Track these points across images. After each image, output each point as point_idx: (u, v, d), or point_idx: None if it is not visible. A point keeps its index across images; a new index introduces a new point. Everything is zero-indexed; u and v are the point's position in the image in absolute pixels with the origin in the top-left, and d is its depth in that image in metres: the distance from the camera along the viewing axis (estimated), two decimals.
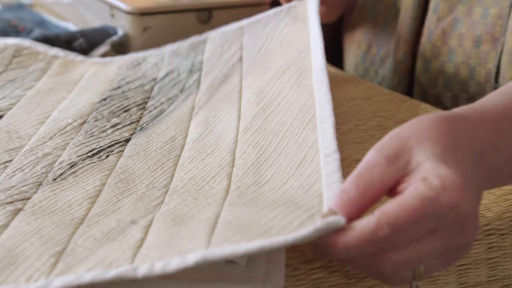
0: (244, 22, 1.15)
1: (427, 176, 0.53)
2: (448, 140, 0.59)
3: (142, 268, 0.53)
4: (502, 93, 0.72)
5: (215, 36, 1.13)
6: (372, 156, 0.58)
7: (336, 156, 0.70)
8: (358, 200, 0.55)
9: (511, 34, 0.99)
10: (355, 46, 1.24)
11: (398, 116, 0.97)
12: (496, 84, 1.01)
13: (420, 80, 1.11)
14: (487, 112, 0.67)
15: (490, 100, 0.71)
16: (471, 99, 1.02)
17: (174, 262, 0.52)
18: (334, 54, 1.36)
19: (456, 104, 1.06)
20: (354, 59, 1.24)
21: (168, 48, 1.14)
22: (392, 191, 0.56)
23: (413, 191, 0.52)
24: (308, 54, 0.94)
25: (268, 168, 0.74)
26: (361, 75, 1.22)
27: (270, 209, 0.61)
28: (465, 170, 0.57)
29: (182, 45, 1.14)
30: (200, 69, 1.04)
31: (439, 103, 1.07)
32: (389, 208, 0.51)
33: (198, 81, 1.01)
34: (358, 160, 0.75)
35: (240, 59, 1.03)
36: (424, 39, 1.10)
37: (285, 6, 1.12)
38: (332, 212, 0.53)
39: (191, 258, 0.52)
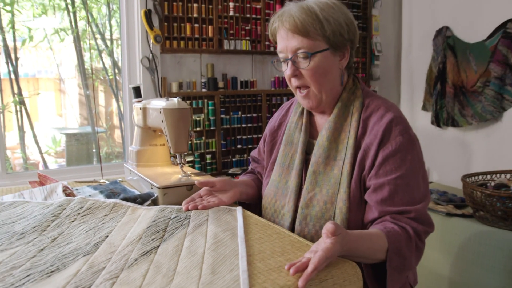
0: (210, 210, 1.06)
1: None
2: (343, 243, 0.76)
3: None
4: (362, 232, 0.86)
5: None
6: (316, 252, 0.72)
7: (247, 274, 0.71)
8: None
9: (340, 201, 0.95)
10: (268, 200, 1.10)
11: (280, 245, 0.85)
12: (333, 220, 0.96)
13: (299, 218, 0.99)
14: (354, 237, 0.81)
15: (357, 232, 0.83)
16: (322, 227, 0.94)
17: None
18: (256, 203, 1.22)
19: (315, 227, 0.98)
20: (269, 205, 1.10)
21: (176, 206, 1.08)
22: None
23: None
24: (236, 229, 0.91)
25: (218, 267, 0.73)
26: (272, 213, 1.08)
27: None
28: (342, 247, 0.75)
29: (182, 207, 1.06)
30: (189, 218, 0.98)
31: (305, 227, 0.98)
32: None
33: (188, 224, 0.95)
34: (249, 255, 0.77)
35: (207, 220, 0.97)
36: (302, 199, 1.01)
37: (226, 207, 1.06)
38: None
39: None
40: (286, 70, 1.02)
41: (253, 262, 0.77)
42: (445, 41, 2.68)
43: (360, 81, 1.09)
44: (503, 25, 2.35)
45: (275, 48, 2.61)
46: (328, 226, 0.75)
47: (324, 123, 1.07)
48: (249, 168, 1.36)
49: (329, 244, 0.73)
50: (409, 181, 0.93)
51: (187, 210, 1.05)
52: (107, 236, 0.90)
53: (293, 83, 1.03)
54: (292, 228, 1.02)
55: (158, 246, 0.84)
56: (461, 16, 2.63)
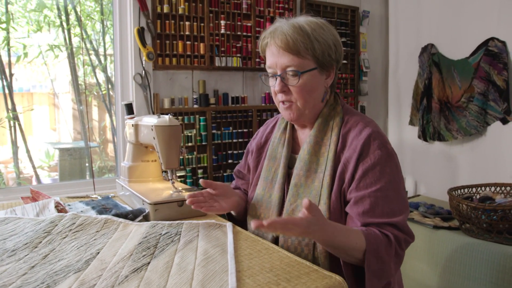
0: (200, 221, 1.08)
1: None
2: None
3: None
4: (340, 225, 0.88)
5: (187, 223, 1.06)
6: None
7: None
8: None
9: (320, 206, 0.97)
10: (253, 213, 1.10)
11: (269, 261, 0.85)
12: None
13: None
14: (330, 227, 0.83)
15: (334, 224, 0.86)
16: (304, 238, 0.97)
17: None
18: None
19: (297, 238, 0.98)
20: (253, 219, 1.09)
21: (167, 222, 1.08)
22: None
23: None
24: (226, 245, 0.91)
25: (208, 284, 0.73)
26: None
27: None
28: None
29: (174, 222, 1.07)
30: (180, 234, 0.98)
31: (288, 238, 0.98)
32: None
33: (179, 240, 0.95)
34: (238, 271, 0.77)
35: (197, 236, 0.98)
36: (284, 211, 1.02)
37: (216, 223, 1.07)
38: None
39: None
40: (275, 85, 1.04)
41: (242, 278, 0.77)
42: (430, 57, 2.73)
43: (341, 98, 1.11)
44: (485, 43, 2.40)
45: (265, 64, 2.63)
46: (304, 201, 0.78)
47: (305, 138, 1.09)
48: (234, 184, 1.35)
49: (297, 218, 0.76)
50: (388, 193, 0.95)
51: (191, 204, 1.03)
52: (98, 253, 0.90)
53: (279, 98, 1.05)
54: (275, 240, 1.03)
55: (149, 263, 0.84)
56: (445, 34, 2.69)
